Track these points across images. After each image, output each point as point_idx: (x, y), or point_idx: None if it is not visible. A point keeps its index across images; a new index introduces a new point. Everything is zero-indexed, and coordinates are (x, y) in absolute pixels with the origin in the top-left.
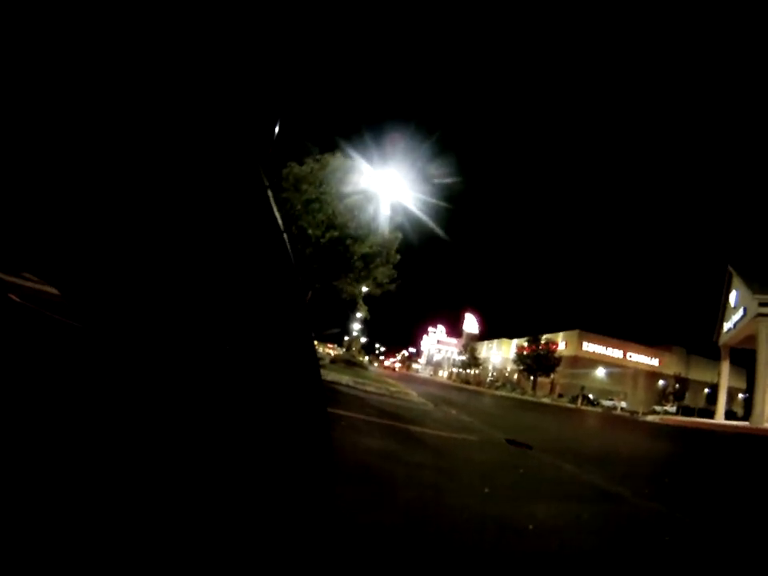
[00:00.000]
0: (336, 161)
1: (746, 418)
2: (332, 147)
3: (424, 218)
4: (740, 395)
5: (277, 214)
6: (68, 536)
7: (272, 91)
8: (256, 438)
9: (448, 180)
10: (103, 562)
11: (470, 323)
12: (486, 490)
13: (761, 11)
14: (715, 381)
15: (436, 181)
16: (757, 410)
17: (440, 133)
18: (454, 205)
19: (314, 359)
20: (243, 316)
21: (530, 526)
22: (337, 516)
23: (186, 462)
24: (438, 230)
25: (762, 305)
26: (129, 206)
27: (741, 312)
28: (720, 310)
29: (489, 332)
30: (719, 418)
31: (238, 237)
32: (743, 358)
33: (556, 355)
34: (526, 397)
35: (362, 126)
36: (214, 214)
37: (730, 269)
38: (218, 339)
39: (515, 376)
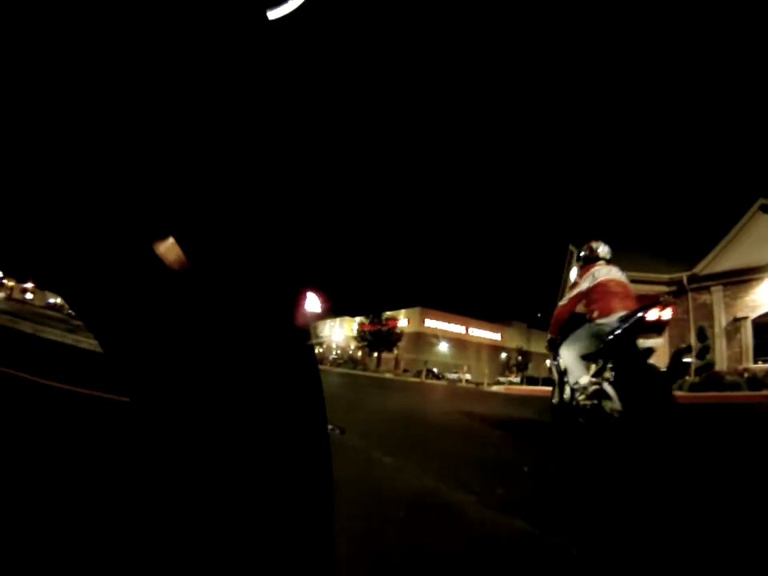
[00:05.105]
0: None
1: None
2: None
3: None
4: None
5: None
6: (69, 535)
7: None
8: (255, 440)
9: None
10: (103, 563)
11: (313, 303)
12: None
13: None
14: None
15: None
16: None
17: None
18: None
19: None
20: (242, 321)
21: None
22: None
23: (186, 464)
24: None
25: None
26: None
27: None
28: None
29: (334, 311)
30: None
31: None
32: None
33: (398, 331)
34: (368, 373)
35: None
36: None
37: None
38: (216, 346)
39: (359, 353)
